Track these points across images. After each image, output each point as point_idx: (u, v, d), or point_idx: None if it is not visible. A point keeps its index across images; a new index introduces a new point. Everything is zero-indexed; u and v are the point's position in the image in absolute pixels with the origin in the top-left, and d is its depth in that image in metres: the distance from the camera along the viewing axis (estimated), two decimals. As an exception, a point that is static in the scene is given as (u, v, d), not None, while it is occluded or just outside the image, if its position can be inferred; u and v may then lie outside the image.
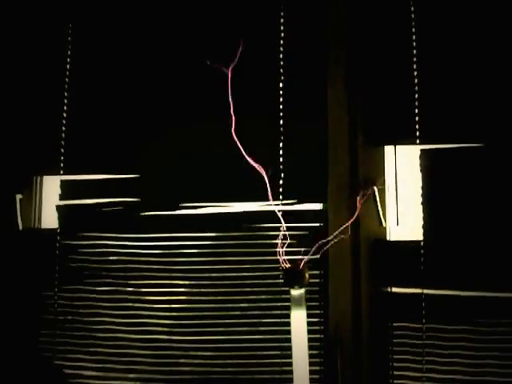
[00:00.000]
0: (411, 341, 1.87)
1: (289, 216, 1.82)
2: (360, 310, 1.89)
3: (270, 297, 1.93)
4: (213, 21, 2.07)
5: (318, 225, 1.94)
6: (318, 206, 1.96)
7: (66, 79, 2.14)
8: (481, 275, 1.85)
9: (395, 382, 1.85)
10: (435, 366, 1.84)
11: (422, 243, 1.90)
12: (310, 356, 1.86)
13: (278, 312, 1.91)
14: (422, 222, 1.91)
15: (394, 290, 1.90)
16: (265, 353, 1.91)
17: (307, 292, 1.87)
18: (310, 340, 1.86)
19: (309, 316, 1.87)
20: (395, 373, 1.86)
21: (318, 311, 1.91)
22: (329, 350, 1.88)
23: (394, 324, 1.88)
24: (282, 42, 2.04)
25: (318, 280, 1.92)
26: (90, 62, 2.14)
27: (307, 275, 1.30)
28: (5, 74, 2.15)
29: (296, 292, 1.31)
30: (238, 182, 1.97)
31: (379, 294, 1.90)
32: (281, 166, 1.98)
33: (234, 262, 1.96)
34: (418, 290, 1.88)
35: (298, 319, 1.30)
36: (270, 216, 1.87)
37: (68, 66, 2.15)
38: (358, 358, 1.88)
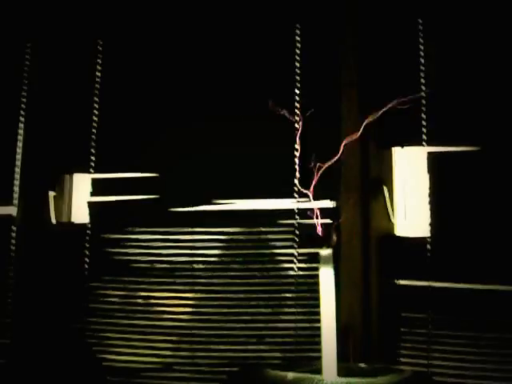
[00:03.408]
0: (418, 330, 1.99)
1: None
2: (370, 301, 2.02)
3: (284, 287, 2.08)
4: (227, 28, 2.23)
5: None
6: (330, 204, 2.09)
7: (96, 90, 2.30)
8: (484, 269, 1.96)
9: (403, 368, 1.97)
10: (441, 354, 1.96)
11: (428, 239, 2.02)
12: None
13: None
14: (428, 219, 2.03)
15: (402, 282, 2.02)
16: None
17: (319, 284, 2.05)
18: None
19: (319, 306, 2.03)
20: (403, 360, 1.98)
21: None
22: (340, 339, 2.00)
23: (402, 314, 2.00)
24: (298, 51, 2.18)
25: (330, 272, 2.05)
26: (118, 73, 2.31)
27: (335, 237, 1.45)
28: (42, 84, 2.32)
29: (325, 252, 1.46)
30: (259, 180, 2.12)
31: (388, 285, 2.03)
32: (296, 166, 2.11)
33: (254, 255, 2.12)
34: (425, 283, 2.01)
35: (327, 276, 1.46)
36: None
37: (98, 80, 2.31)
38: (367, 345, 2.00)
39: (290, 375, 1.40)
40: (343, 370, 1.46)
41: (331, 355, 1.43)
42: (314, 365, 1.52)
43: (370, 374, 1.46)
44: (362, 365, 1.66)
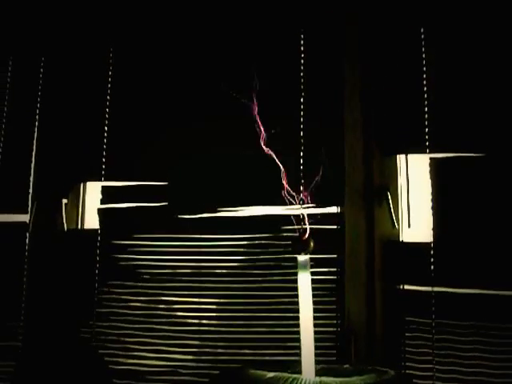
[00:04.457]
0: (422, 334, 2.01)
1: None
2: (374, 306, 2.04)
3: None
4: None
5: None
6: (335, 210, 2.13)
7: (107, 100, 2.38)
8: (486, 274, 1.98)
9: (406, 372, 1.99)
10: (444, 358, 1.97)
11: (431, 244, 2.05)
12: (326, 347, 2.04)
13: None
14: (431, 225, 2.06)
15: (406, 287, 2.05)
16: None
17: (324, 289, 2.08)
18: (325, 333, 2.06)
19: (325, 311, 2.07)
20: (407, 364, 2.00)
21: (334, 306, 2.07)
22: (343, 343, 2.03)
23: (406, 319, 2.03)
24: (302, 61, 2.24)
25: (334, 277, 2.08)
26: (128, 84, 2.38)
27: (312, 244, 1.50)
28: (55, 95, 2.41)
29: (302, 258, 1.52)
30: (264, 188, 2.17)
31: (392, 290, 2.05)
32: (301, 174, 2.16)
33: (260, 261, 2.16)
34: (428, 288, 2.03)
35: (304, 280, 1.52)
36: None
37: (108, 90, 2.40)
38: (371, 350, 2.02)
39: (270, 375, 1.43)
40: (324, 371, 1.51)
41: (310, 356, 1.49)
42: (297, 365, 1.55)
43: (351, 374, 1.49)
44: (346, 366, 1.69)
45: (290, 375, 1.42)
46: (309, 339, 1.49)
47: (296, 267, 2.08)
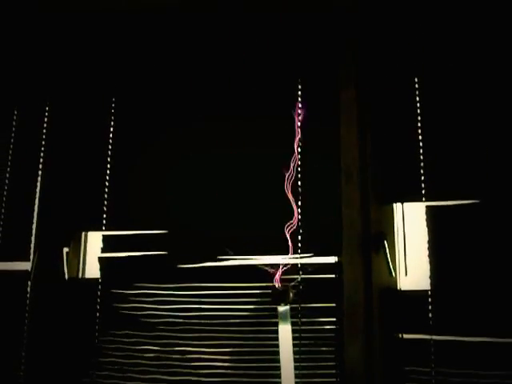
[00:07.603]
0: (421, 384, 2.02)
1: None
2: (373, 355, 2.05)
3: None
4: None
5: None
6: (333, 259, 2.15)
7: (109, 150, 2.43)
8: (484, 322, 2.00)
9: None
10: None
11: (429, 292, 2.06)
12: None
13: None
14: (429, 273, 2.08)
15: (405, 335, 2.06)
16: None
17: (323, 338, 2.09)
18: (324, 383, 2.06)
19: (324, 360, 2.08)
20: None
21: (332, 355, 2.08)
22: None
23: (406, 368, 2.03)
24: (299, 111, 2.29)
25: (333, 326, 2.09)
26: (129, 133, 2.44)
27: (291, 294, 1.52)
28: (58, 145, 2.47)
29: (282, 308, 1.53)
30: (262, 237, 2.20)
31: (391, 339, 2.06)
32: (299, 223, 2.19)
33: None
34: (427, 336, 2.04)
35: (285, 331, 1.53)
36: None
37: (110, 139, 2.45)
38: (371, 399, 2.03)
39: None
40: None
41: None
42: None
43: None
44: None
45: None
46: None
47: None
